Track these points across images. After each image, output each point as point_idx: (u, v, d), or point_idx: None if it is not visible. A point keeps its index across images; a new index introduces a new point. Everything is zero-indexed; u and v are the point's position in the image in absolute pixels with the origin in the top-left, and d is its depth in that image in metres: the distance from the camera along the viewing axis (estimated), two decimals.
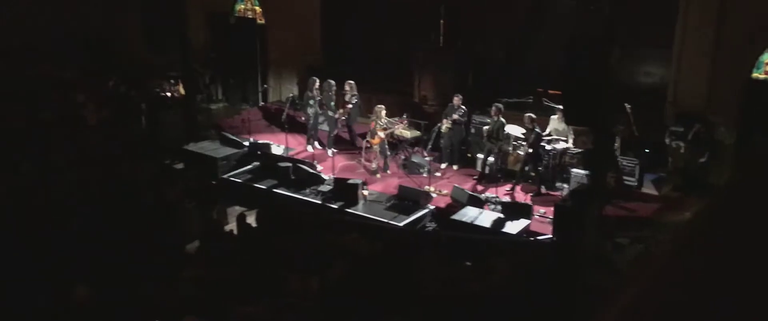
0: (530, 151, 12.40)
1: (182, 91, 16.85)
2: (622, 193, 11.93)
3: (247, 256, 8.78)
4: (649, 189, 12.26)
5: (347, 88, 14.38)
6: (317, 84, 14.43)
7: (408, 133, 14.00)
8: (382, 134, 13.19)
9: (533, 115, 12.43)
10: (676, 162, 12.45)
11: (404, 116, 14.10)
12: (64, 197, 10.81)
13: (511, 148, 12.89)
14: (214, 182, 13.18)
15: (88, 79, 17.44)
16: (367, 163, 13.59)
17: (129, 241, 9.03)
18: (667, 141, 12.53)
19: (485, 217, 10.99)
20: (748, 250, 1.24)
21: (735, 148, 12.15)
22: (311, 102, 14.42)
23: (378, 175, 13.24)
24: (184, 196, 11.46)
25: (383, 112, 13.30)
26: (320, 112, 14.44)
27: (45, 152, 13.05)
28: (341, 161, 14.02)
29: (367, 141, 13.50)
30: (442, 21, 14.99)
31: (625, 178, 12.32)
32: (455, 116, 13.25)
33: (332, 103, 14.29)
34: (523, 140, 12.60)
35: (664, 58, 13.34)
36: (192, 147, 14.30)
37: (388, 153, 13.49)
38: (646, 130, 12.66)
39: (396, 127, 13.47)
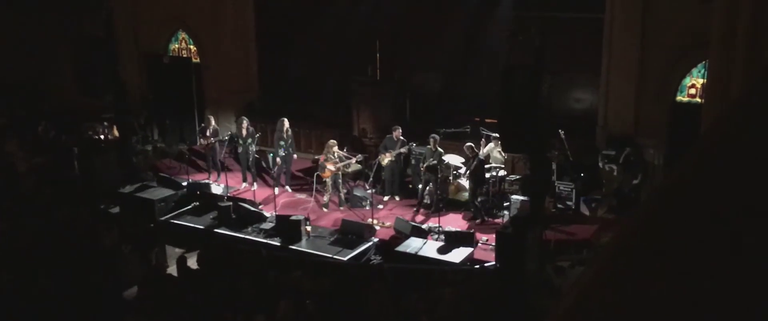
0: (475, 178, 12.47)
1: (116, 133, 16.48)
2: (561, 217, 12.19)
3: (189, 299, 8.58)
4: (585, 212, 12.55)
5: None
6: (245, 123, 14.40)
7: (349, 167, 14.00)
8: (332, 167, 13.14)
9: (472, 144, 12.60)
10: (610, 184, 12.82)
11: (359, 156, 14.04)
12: None
13: (451, 178, 13.02)
14: (151, 225, 12.87)
15: (17, 125, 16.89)
16: (319, 197, 13.47)
17: (65, 289, 8.73)
18: (600, 164, 12.90)
19: (429, 247, 11.05)
20: (668, 264, 1.31)
21: (664, 169, 12.61)
22: (240, 141, 14.37)
23: (326, 209, 13.15)
24: (121, 240, 11.15)
25: (335, 148, 13.28)
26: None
27: None
28: (283, 198, 13.90)
29: (318, 174, 13.43)
30: (378, 55, 15.15)
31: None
32: (403, 150, 13.32)
33: (282, 142, 14.15)
34: (467, 169, 12.70)
35: (593, 83, 13.78)
36: (128, 190, 13.95)
37: (341, 187, 13.42)
38: (580, 154, 13.01)
39: (350, 161, 13.38)
